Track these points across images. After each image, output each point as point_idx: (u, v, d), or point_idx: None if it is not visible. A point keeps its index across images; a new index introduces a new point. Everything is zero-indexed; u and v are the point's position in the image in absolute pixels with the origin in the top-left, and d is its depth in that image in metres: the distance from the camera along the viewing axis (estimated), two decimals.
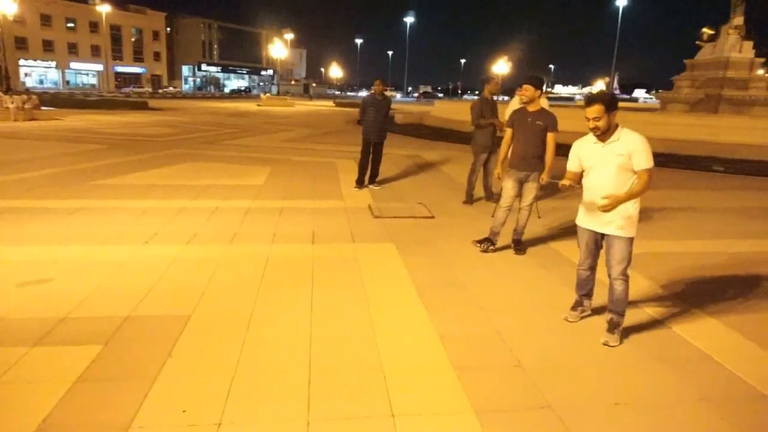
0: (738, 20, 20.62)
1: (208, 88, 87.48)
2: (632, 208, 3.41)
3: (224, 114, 29.16)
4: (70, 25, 68.00)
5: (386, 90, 8.98)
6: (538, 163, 5.29)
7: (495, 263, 5.19)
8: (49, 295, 4.03)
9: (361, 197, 7.94)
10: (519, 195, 5.43)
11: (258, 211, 6.89)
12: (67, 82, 68.23)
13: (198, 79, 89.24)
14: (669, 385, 3.06)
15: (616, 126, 3.38)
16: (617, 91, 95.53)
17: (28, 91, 21.19)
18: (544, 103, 5.81)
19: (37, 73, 65.69)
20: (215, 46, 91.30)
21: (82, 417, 2.57)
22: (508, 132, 5.43)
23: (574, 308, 3.91)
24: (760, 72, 21.37)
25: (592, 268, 3.79)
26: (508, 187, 5.37)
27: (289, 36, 74.15)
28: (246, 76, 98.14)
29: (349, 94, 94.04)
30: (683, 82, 22.13)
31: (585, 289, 3.88)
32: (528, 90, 5.13)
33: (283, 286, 4.36)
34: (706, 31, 22.12)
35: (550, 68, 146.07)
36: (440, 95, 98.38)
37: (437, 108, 25.99)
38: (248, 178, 9.28)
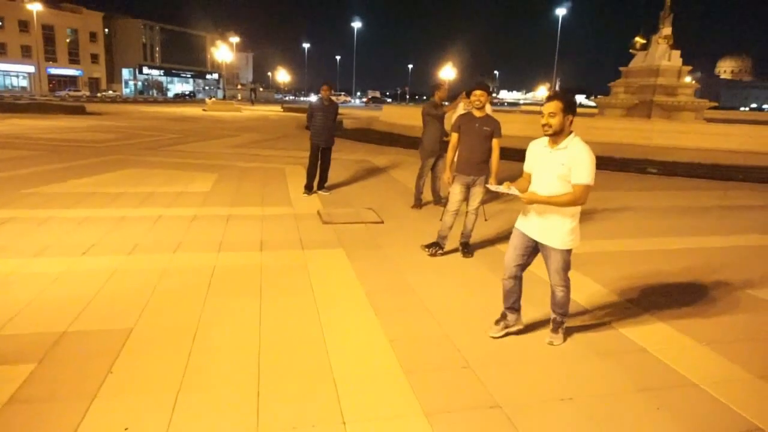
0: (667, 30, 21.86)
1: (151, 92, 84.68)
2: (570, 222, 3.29)
3: (168, 119, 28.27)
4: None
5: (336, 95, 8.99)
6: (484, 167, 5.42)
7: (443, 267, 5.27)
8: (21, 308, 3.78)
9: (310, 203, 7.89)
10: (466, 199, 5.54)
11: (204, 218, 6.72)
12: None
13: (139, 83, 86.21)
14: (611, 379, 3.19)
15: (570, 134, 3.19)
16: None
17: None
18: (488, 109, 5.97)
19: None
20: (157, 49, 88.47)
21: None
22: (454, 137, 5.54)
23: (497, 321, 3.69)
24: (687, 79, 22.72)
25: (518, 278, 3.59)
26: (456, 191, 5.47)
27: (235, 39, 72.87)
28: (190, 80, 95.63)
29: (302, 99, 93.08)
30: (619, 88, 23.23)
31: (509, 300, 3.64)
32: (483, 95, 5.25)
33: (231, 296, 4.27)
34: (639, 40, 23.32)
35: (495, 74, 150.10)
36: (389, 100, 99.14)
37: (385, 113, 26.16)
38: (194, 184, 9.03)
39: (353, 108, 51.45)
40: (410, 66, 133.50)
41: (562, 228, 3.31)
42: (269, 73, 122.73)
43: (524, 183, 3.45)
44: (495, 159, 5.40)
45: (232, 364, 3.19)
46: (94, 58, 77.08)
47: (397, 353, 3.39)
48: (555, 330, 3.64)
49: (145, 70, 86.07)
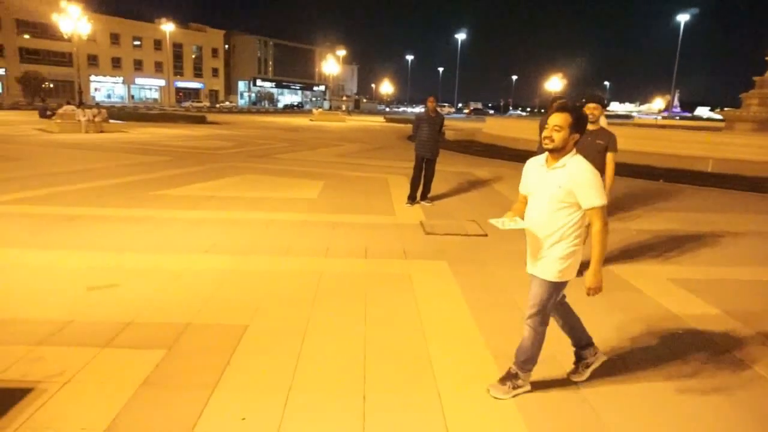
0: None
1: (262, 103, 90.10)
2: (563, 248, 2.80)
3: (278, 128, 29.91)
4: (137, 43, 71.84)
5: (440, 106, 9.00)
6: None
7: None
8: (116, 299, 4.22)
9: (412, 213, 7.95)
10: None
11: (311, 224, 7.00)
12: (132, 97, 71.85)
13: (253, 94, 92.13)
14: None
15: (571, 152, 2.79)
16: (677, 109, 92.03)
17: (98, 105, 22.50)
18: (603, 121, 5.67)
19: (105, 87, 69.55)
20: (270, 63, 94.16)
21: (147, 420, 2.66)
22: None
23: (503, 380, 3.07)
24: None
25: (559, 316, 3.16)
26: None
27: (342, 52, 75.56)
28: (299, 92, 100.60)
29: (404, 110, 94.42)
30: (752, 100, 21.08)
31: (573, 339, 3.22)
32: (597, 108, 5.02)
33: (338, 301, 4.40)
34: None
35: (606, 85, 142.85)
36: (491, 112, 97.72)
37: (489, 125, 25.78)
38: (301, 191, 9.46)
39: (455, 119, 51.32)
40: (514, 77, 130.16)
41: (551, 254, 2.82)
42: (373, 85, 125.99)
43: (522, 207, 3.02)
44: (609, 175, 5.11)
45: (339, 368, 3.27)
46: (215, 72, 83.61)
47: (502, 370, 3.29)
48: (502, 381, 3.03)
49: (259, 82, 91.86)
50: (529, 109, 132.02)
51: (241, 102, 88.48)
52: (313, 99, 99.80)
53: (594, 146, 5.08)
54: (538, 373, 3.11)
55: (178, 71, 77.41)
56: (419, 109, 70.28)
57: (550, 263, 2.84)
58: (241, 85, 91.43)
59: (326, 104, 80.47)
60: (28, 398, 2.81)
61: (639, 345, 3.77)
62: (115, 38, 68.60)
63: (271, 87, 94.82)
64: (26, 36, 59.38)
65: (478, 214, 7.94)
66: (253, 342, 3.56)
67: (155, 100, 74.18)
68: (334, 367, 3.27)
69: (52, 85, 58.32)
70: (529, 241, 2.96)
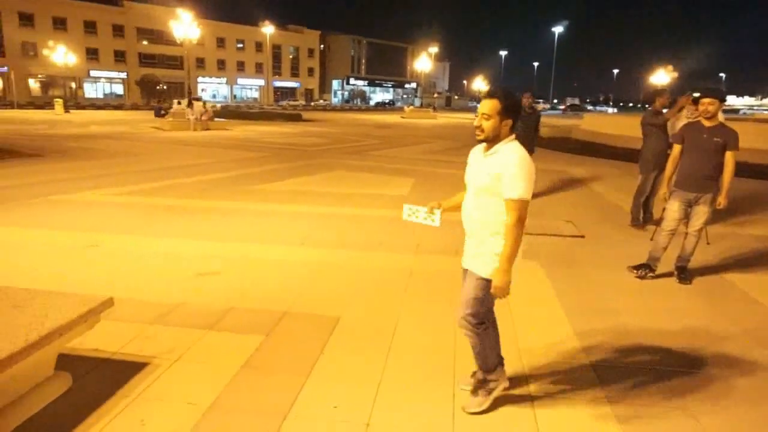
0: None
1: (355, 101, 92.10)
2: (499, 243, 2.56)
3: (370, 125, 30.45)
4: (240, 45, 76.07)
5: (535, 103, 8.72)
6: (711, 184, 4.74)
7: (653, 291, 4.74)
8: (219, 285, 4.50)
9: None
10: (685, 218, 4.92)
11: (402, 221, 7.04)
12: (234, 96, 76.25)
13: (346, 92, 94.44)
14: None
15: (511, 137, 2.57)
16: None
17: (205, 104, 24.19)
18: (720, 117, 5.21)
19: (211, 88, 74.35)
20: (363, 61, 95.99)
21: (247, 400, 2.82)
22: (676, 148, 4.95)
23: (475, 390, 2.92)
24: None
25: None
26: (674, 209, 4.89)
27: (434, 49, 75.40)
28: (390, 89, 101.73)
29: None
30: None
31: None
32: (713, 104, 4.62)
33: (427, 297, 4.40)
34: None
35: (721, 77, 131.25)
36: (589, 108, 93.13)
37: (587, 121, 24.60)
38: (392, 188, 9.56)
39: (550, 116, 49.48)
40: (615, 71, 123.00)
41: (485, 249, 2.61)
42: (464, 81, 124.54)
43: (461, 198, 2.86)
44: (728, 174, 4.68)
45: (430, 364, 3.27)
46: (310, 71, 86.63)
47: (600, 378, 3.14)
48: (474, 393, 2.86)
49: (352, 80, 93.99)
50: (631, 105, 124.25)
51: (335, 100, 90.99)
52: (404, 96, 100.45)
53: (711, 144, 4.69)
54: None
55: (277, 71, 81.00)
56: None
57: (483, 259, 2.63)
58: (335, 84, 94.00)
59: (417, 101, 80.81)
60: (144, 372, 3.07)
61: (753, 360, 3.43)
62: (220, 42, 73.06)
63: (364, 85, 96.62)
64: (145, 42, 64.86)
65: (575, 215, 7.61)
66: (345, 333, 3.65)
67: (255, 99, 78.20)
68: (423, 364, 3.28)
69: (165, 87, 63.29)
70: (466, 234, 2.78)
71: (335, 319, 3.88)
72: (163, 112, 30.09)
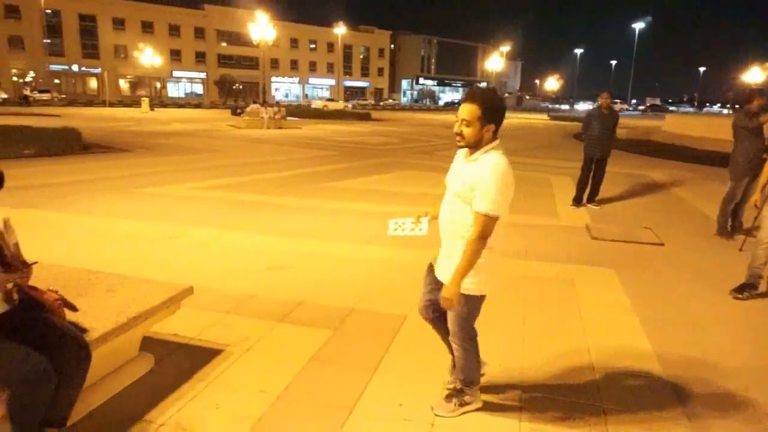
0: None
1: (424, 101, 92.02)
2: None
3: (439, 125, 30.32)
4: (312, 46, 77.99)
5: (613, 103, 8.36)
6: None
7: (744, 308, 4.41)
8: (290, 279, 4.63)
9: (577, 216, 7.50)
10: None
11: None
12: (306, 95, 78.26)
13: (415, 92, 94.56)
14: None
15: (490, 144, 2.40)
16: None
17: (278, 103, 25.04)
18: None
19: (284, 87, 76.70)
20: (433, 61, 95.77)
21: (315, 392, 2.88)
22: None
23: (449, 398, 2.79)
24: None
25: (431, 320, 2.85)
26: None
27: (506, 48, 73.97)
28: (460, 89, 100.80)
29: (569, 107, 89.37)
30: None
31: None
32: None
33: (495, 301, 4.27)
34: None
35: None
36: (671, 108, 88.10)
37: (669, 122, 23.29)
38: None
39: (628, 117, 47.29)
40: (702, 69, 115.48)
41: (456, 261, 2.43)
42: (536, 81, 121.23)
43: None
44: None
45: (496, 371, 3.21)
46: (380, 71, 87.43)
47: (679, 397, 2.96)
48: (448, 398, 2.75)
49: (421, 80, 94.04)
50: (718, 105, 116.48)
51: (404, 100, 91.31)
52: None
53: None
54: None
55: (347, 71, 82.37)
56: (588, 106, 65.59)
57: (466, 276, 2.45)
58: (404, 84, 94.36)
59: None
60: (219, 358, 3.22)
61: None
62: (294, 43, 75.19)
63: (433, 85, 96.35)
64: (223, 44, 67.85)
65: (654, 221, 7.22)
66: (411, 332, 3.65)
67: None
68: (493, 369, 3.22)
69: (240, 86, 65.88)
70: (443, 239, 2.61)
71: (402, 317, 3.89)
72: (239, 110, 31.36)
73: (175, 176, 10.02)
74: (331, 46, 78.54)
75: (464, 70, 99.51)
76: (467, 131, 2.36)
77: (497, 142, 2.42)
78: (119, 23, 59.68)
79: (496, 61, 62.40)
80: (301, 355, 3.27)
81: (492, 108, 2.35)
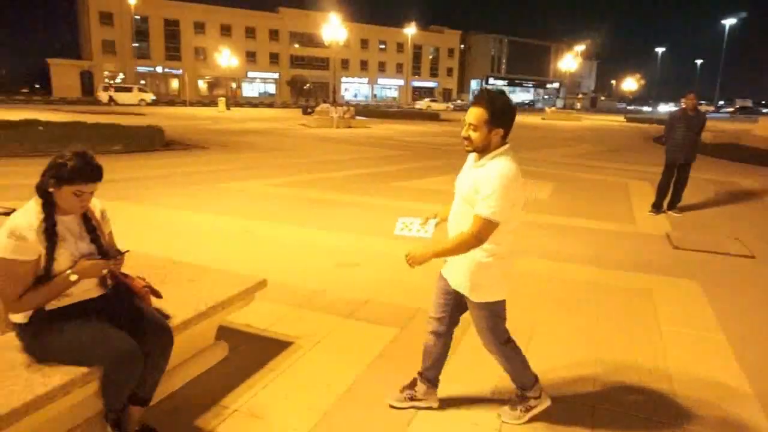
0: None
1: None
2: (476, 263, 2.39)
3: None
4: (382, 46, 78.61)
5: (699, 104, 7.86)
6: None
7: None
8: (357, 277, 4.69)
9: (656, 223, 7.11)
10: None
11: (540, 225, 6.78)
12: (374, 95, 79.02)
13: None
14: None
15: (504, 147, 2.33)
16: None
17: (347, 103, 25.48)
18: None
19: (353, 87, 77.81)
20: (503, 60, 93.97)
21: (380, 391, 2.89)
22: None
23: (403, 388, 2.81)
24: None
25: (438, 334, 2.73)
26: None
27: (580, 47, 71.35)
28: (531, 90, 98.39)
29: (649, 108, 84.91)
30: None
31: (427, 362, 2.77)
32: None
33: (565, 307, 4.18)
34: None
35: None
36: (766, 110, 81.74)
37: (763, 125, 21.61)
38: (530, 191, 9.23)
39: (715, 119, 44.43)
40: None
41: (466, 267, 2.42)
42: (613, 81, 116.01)
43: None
44: None
45: (567, 379, 3.10)
46: (449, 71, 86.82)
47: None
48: (512, 405, 2.69)
49: (491, 80, 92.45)
50: None
51: (471, 100, 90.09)
52: (546, 97, 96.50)
53: None
54: None
55: (416, 71, 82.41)
56: (669, 108, 61.88)
57: (463, 278, 2.47)
58: (474, 84, 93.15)
59: (559, 102, 77.13)
60: (288, 350, 3.31)
61: None
62: (364, 43, 76.11)
63: (503, 85, 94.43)
64: (296, 45, 69.75)
65: (744, 232, 6.73)
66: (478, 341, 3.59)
67: (394, 98, 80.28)
68: (559, 377, 3.11)
69: (311, 86, 67.48)
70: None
71: (469, 320, 3.83)
72: (309, 110, 32.12)
73: (249, 173, 10.41)
74: (400, 47, 78.86)
75: (536, 70, 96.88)
76: (474, 135, 2.32)
77: (507, 146, 2.36)
78: (200, 27, 62.72)
79: (569, 61, 60.31)
80: (368, 352, 3.30)
81: (500, 111, 2.28)
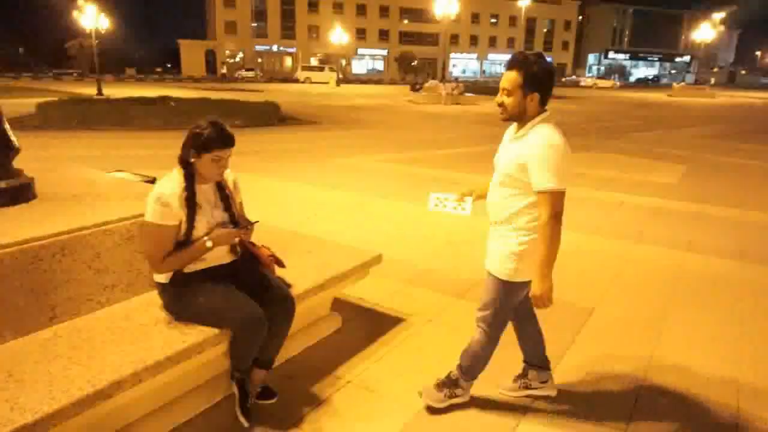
0: None
1: (612, 77, 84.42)
2: (516, 243, 2.22)
3: (628, 104, 27.63)
4: (493, 20, 75.97)
5: None
6: None
7: None
8: (469, 256, 4.57)
9: None
10: None
11: (668, 212, 6.21)
12: (483, 71, 76.90)
13: (602, 67, 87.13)
14: None
15: (538, 116, 2.13)
16: None
17: (456, 79, 25.02)
18: None
19: (461, 63, 76.25)
20: (626, 32, 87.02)
21: (492, 374, 2.79)
22: None
23: (516, 378, 2.66)
24: None
25: (515, 320, 2.59)
26: None
27: (719, 15, 63.95)
28: (656, 64, 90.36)
29: None
30: None
31: (522, 351, 2.65)
32: None
33: (702, 304, 3.78)
34: None
35: None
36: None
37: None
38: (657, 174, 8.49)
39: None
40: None
41: (503, 247, 2.28)
42: (757, 53, 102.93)
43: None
44: None
45: (709, 381, 2.80)
46: (565, 45, 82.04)
47: None
48: (439, 386, 2.53)
49: (611, 54, 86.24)
50: None
51: (589, 75, 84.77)
52: (672, 72, 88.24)
53: None
54: None
55: (529, 46, 78.78)
56: None
57: (502, 257, 2.29)
58: (591, 58, 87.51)
59: (689, 77, 70.12)
60: (400, 327, 3.30)
61: None
62: (475, 17, 73.98)
63: (624, 59, 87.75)
64: (405, 21, 69.49)
65: None
66: (600, 328, 3.36)
67: (502, 74, 77.64)
68: (698, 385, 2.81)
69: (418, 63, 67.08)
70: (492, 226, 2.38)
71: (588, 310, 3.60)
72: (417, 86, 31.99)
73: (359, 148, 10.59)
74: (513, 20, 75.70)
75: (663, 41, 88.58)
76: (508, 101, 2.15)
77: (547, 113, 2.16)
78: (313, 5, 64.49)
79: (705, 31, 54.30)
80: None
81: (535, 75, 2.09)
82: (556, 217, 2.10)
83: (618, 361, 2.98)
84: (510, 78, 2.13)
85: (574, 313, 3.54)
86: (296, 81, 47.70)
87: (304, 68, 50.84)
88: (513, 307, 2.43)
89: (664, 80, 78.30)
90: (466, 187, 2.63)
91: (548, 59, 2.16)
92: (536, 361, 2.63)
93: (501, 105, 2.18)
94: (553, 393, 2.62)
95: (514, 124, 2.26)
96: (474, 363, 2.48)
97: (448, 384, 2.53)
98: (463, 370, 2.50)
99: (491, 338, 2.42)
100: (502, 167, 2.26)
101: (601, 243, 5.06)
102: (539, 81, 2.11)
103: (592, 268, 4.39)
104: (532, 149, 2.09)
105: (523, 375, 2.66)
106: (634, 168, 8.99)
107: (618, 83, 56.31)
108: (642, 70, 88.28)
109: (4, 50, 61.12)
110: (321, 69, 49.61)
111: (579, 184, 7.54)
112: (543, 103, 2.15)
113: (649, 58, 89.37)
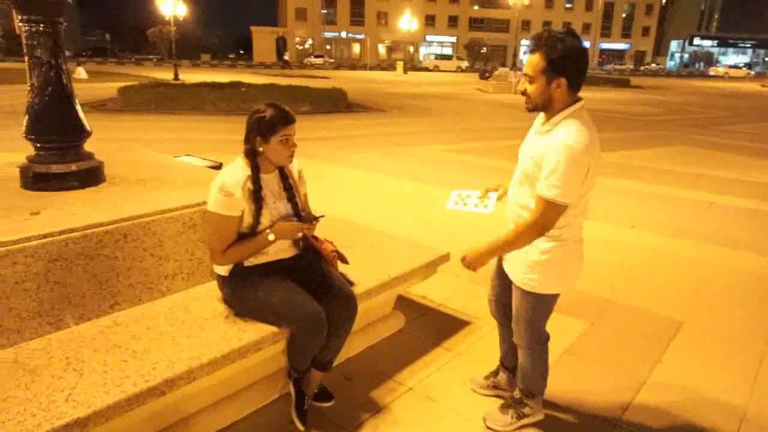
0: None
1: (697, 65, 78.97)
2: (536, 251, 1.94)
3: (717, 95, 25.70)
4: (568, 5, 72.66)
5: None
6: None
7: None
8: None
9: None
10: None
11: (766, 214, 5.61)
12: None
13: (686, 55, 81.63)
14: None
15: (568, 108, 1.83)
16: None
17: None
18: None
19: None
20: (715, 16, 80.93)
21: (565, 387, 2.55)
22: None
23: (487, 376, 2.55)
24: None
25: (500, 322, 2.41)
26: None
27: None
28: (749, 51, 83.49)
29: None
30: None
31: (501, 350, 2.50)
32: None
33: (744, 314, 3.33)
34: None
35: None
36: None
37: None
38: (751, 172, 7.75)
39: None
40: None
41: (523, 257, 1.98)
42: None
43: None
44: None
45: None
46: (645, 31, 77.27)
47: None
48: (504, 408, 2.29)
49: (696, 41, 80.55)
50: None
51: (670, 64, 79.79)
52: (767, 59, 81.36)
53: None
54: None
55: (605, 32, 75.00)
56: None
57: (523, 267, 2.01)
58: (674, 45, 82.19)
59: None
60: (466, 330, 3.12)
61: None
62: (549, 2, 71.15)
63: (711, 46, 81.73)
64: (475, 7, 67.87)
65: None
66: (692, 345, 3.01)
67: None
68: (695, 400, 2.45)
69: (485, 50, 65.45)
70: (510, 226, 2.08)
71: (676, 322, 3.25)
72: (486, 74, 31.16)
73: (425, 137, 10.36)
74: (589, 5, 72.19)
75: (759, 26, 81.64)
76: (531, 89, 1.85)
77: (580, 104, 1.86)
78: None
79: None
80: (555, 345, 2.92)
81: (560, 57, 1.75)
82: (538, 229, 1.89)
83: (712, 383, 2.64)
84: (532, 62, 1.83)
85: (659, 324, 3.21)
86: (364, 68, 47.78)
87: (437, 57, 57.32)
88: (547, 318, 2.18)
89: (758, 68, 72.30)
90: (493, 182, 2.39)
91: (582, 42, 1.80)
92: (509, 364, 2.46)
93: (524, 93, 1.89)
94: (542, 417, 2.32)
95: (542, 114, 1.97)
96: (535, 380, 2.26)
97: (513, 404, 2.31)
98: (525, 392, 2.28)
99: (535, 352, 2.19)
100: (522, 164, 2.01)
101: (689, 247, 4.62)
102: (565, 64, 1.78)
103: (675, 275, 4.00)
104: (550, 149, 1.82)
105: (494, 374, 2.54)
106: (725, 165, 8.25)
107: (752, 72, 53.03)
108: (732, 58, 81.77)
109: (93, 37, 65.11)
110: (449, 58, 55.18)
111: (664, 182, 7.00)
112: (574, 89, 1.84)
113: (741, 45, 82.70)
